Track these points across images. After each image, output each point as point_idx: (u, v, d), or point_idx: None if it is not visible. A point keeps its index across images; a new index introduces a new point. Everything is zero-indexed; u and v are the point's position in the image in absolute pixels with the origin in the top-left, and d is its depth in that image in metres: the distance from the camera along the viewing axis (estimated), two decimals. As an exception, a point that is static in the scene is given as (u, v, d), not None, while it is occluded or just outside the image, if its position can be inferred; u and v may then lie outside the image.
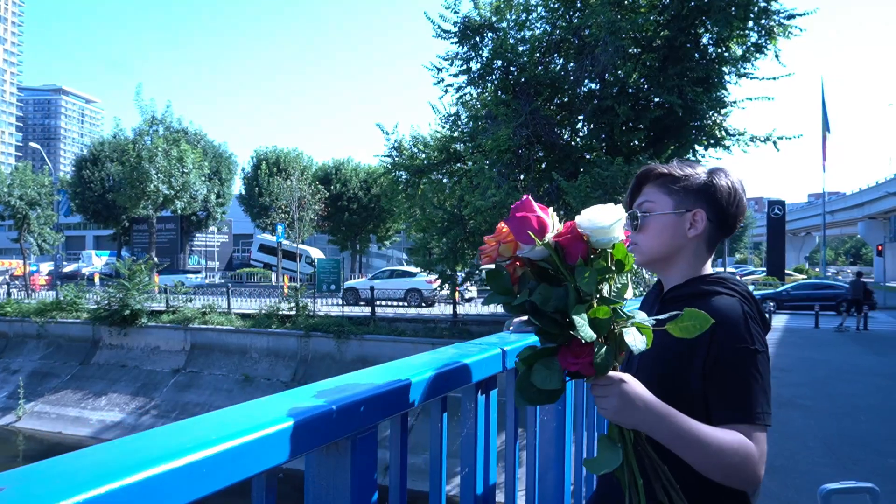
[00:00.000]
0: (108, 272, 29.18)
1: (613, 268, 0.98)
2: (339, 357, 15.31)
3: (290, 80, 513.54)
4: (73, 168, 39.95)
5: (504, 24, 14.09)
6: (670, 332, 0.98)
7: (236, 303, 18.76)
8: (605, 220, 0.96)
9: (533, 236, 0.95)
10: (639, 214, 1.26)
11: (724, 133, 13.26)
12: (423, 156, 17.75)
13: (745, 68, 12.89)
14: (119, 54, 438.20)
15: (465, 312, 17.41)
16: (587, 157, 13.80)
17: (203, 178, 28.86)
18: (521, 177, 14.23)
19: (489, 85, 14.72)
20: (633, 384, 0.99)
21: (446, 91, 15.45)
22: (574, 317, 0.91)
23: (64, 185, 38.74)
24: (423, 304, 20.76)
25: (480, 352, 1.20)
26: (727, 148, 13.36)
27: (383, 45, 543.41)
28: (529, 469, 1.54)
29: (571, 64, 13.84)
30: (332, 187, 36.77)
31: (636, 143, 13.71)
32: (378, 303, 17.96)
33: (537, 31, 14.23)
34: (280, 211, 30.39)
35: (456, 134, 16.87)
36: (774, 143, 12.89)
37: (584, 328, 0.90)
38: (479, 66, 14.42)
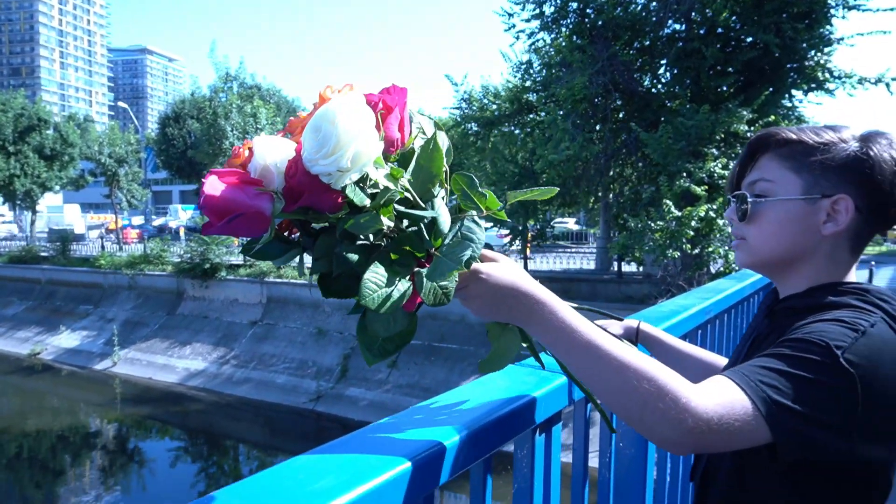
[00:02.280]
0: (193, 226, 30.49)
1: (392, 185, 0.70)
2: (408, 312, 15.37)
3: (359, 31, 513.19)
4: (158, 126, 41.60)
5: (580, -38, 13.13)
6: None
7: (309, 257, 19.11)
8: (345, 151, 0.64)
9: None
10: (748, 199, 0.90)
11: (827, 75, 11.97)
12: (494, 107, 17.19)
13: (855, -1, 11.51)
14: (195, 11, 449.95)
15: (536, 268, 17.02)
16: (669, 105, 12.87)
17: (276, 134, 29.32)
18: (597, 128, 13.49)
19: (563, 30, 13.87)
20: (496, 275, 0.75)
21: (518, 38, 14.73)
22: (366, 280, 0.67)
23: (150, 143, 40.46)
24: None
25: (540, 383, 0.91)
26: (830, 92, 12.09)
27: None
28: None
29: (654, 3, 12.80)
30: (403, 141, 36.70)
31: (725, 88, 12.65)
32: (448, 258, 17.85)
33: (617, -32, 13.21)
34: (351, 165, 30.54)
35: (528, 83, 16.17)
36: (887, 84, 11.54)
37: (378, 296, 0.66)
38: (552, 9, 13.59)
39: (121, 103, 44.16)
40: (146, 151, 37.53)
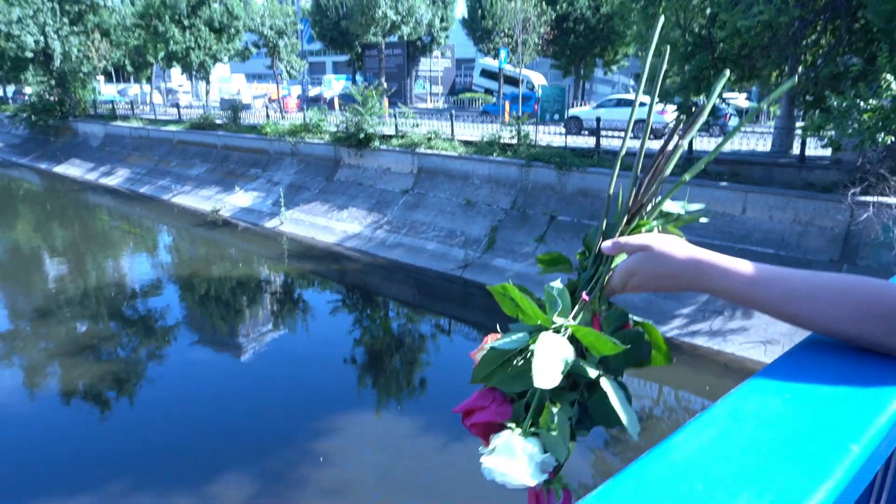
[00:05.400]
0: (345, 95, 31.40)
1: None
2: (559, 189, 14.99)
3: None
4: (313, -4, 42.05)
5: None
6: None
7: (459, 129, 19.04)
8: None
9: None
10: None
11: None
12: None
13: None
14: None
15: (703, 148, 15.66)
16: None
17: (427, 2, 28.51)
18: (800, -17, 11.48)
19: None
20: (660, 246, 0.74)
21: None
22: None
23: (305, 14, 41.24)
24: (653, 137, 19.14)
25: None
26: None
27: None
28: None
29: None
30: (559, 7, 34.16)
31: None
32: (603, 133, 16.88)
33: None
34: (503, 34, 29.23)
35: (715, -69, 13.94)
36: None
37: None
38: None
39: (278, -27, 44.79)
40: (302, 23, 38.39)
